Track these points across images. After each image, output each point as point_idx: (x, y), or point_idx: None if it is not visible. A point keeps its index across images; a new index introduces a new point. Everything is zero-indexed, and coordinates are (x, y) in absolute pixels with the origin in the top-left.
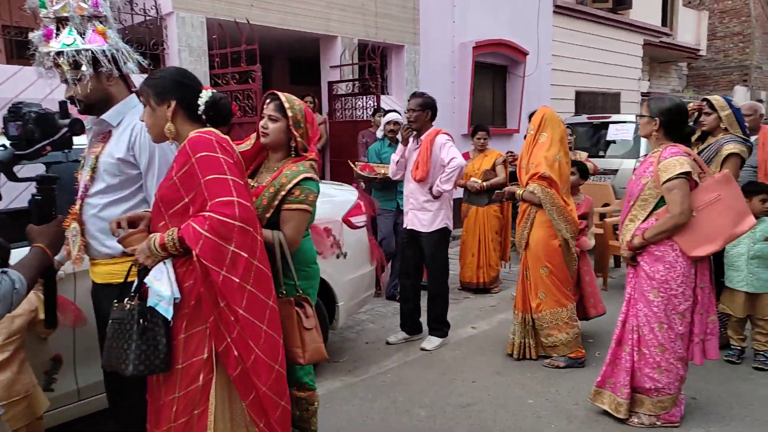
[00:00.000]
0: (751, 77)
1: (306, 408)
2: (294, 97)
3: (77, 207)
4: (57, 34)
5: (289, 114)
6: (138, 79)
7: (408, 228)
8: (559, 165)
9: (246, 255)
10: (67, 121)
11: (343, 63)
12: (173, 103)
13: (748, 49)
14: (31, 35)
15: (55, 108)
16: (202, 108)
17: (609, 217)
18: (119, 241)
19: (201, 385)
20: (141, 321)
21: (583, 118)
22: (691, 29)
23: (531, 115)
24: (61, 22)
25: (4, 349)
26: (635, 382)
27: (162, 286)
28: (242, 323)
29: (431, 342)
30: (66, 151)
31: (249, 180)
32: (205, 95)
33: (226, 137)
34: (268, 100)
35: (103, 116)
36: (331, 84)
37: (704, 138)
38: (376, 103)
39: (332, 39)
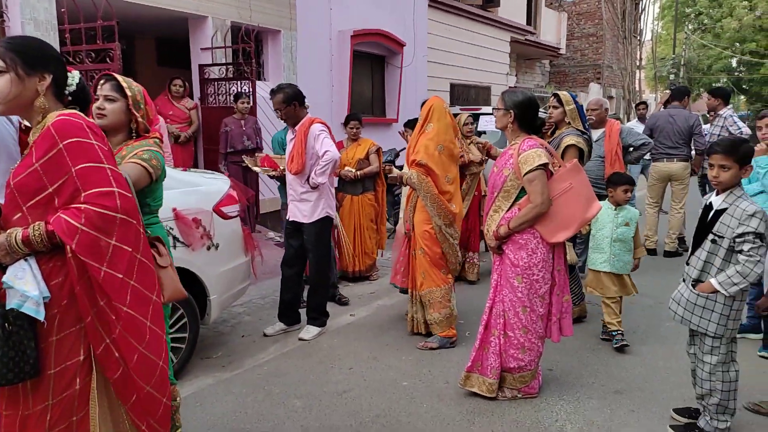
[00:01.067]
0: (603, 75)
1: None
2: (130, 79)
3: None
4: None
5: (128, 93)
6: None
7: (290, 219)
8: (440, 155)
9: (129, 249)
10: None
11: (215, 46)
12: (49, 78)
13: (601, 50)
14: None
15: None
16: (72, 89)
17: None
18: None
19: (78, 389)
20: (5, 326)
21: (456, 109)
22: (552, 29)
23: (423, 104)
24: None
25: None
26: (502, 363)
27: (27, 285)
28: (125, 321)
29: (309, 332)
30: None
31: None
32: (76, 76)
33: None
34: (102, 81)
35: None
36: (202, 67)
37: (554, 131)
38: (251, 89)
39: (202, 20)
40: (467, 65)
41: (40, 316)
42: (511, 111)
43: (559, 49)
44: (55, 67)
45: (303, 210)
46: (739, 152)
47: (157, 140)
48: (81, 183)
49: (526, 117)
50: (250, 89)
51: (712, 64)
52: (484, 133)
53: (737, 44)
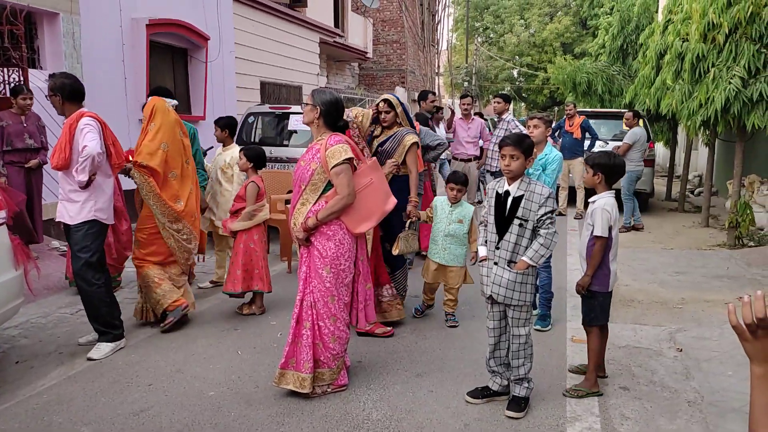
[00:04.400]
0: (407, 80)
1: None
2: None
3: None
4: None
5: None
6: None
7: (57, 219)
8: (164, 152)
9: None
10: None
11: None
12: None
13: (404, 56)
14: None
15: None
16: None
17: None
18: None
19: None
20: None
21: (266, 108)
22: (359, 33)
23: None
24: None
25: None
26: (315, 355)
27: None
28: None
29: (100, 349)
30: None
31: None
32: None
33: None
34: None
35: None
36: None
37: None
38: (22, 78)
39: None
40: (277, 64)
41: None
42: (318, 108)
43: (366, 53)
44: None
45: (70, 210)
46: (524, 144)
47: None
48: None
49: (332, 115)
50: (21, 77)
51: (498, 74)
52: (295, 132)
53: (517, 57)
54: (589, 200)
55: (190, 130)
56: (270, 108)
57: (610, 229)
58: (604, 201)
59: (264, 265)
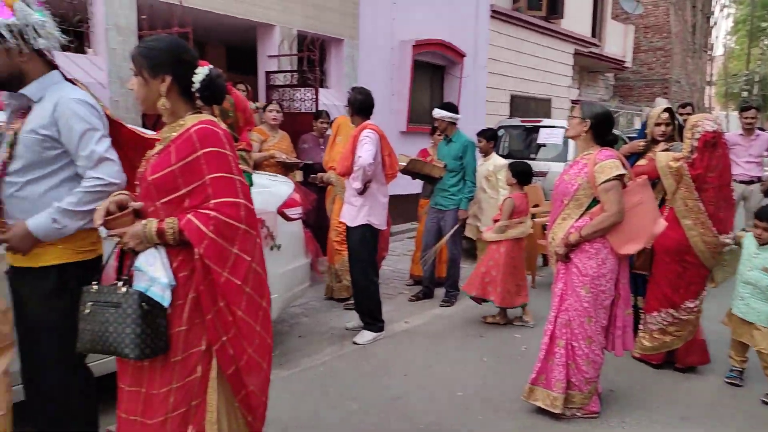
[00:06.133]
0: (671, 90)
1: None
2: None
3: None
4: None
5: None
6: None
7: (340, 221)
8: None
9: (248, 258)
10: None
11: (281, 53)
12: (168, 79)
13: (669, 64)
14: None
15: None
16: (196, 86)
17: (538, 217)
18: (105, 224)
19: (199, 376)
20: (143, 304)
21: (517, 121)
22: (618, 42)
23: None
24: None
25: None
26: (567, 375)
27: (157, 272)
28: (239, 324)
29: (363, 336)
30: None
31: None
32: (201, 73)
33: (224, 128)
34: None
35: (23, 90)
36: (268, 74)
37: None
38: (314, 96)
39: (270, 28)
40: (528, 77)
41: (165, 302)
42: (588, 121)
43: (624, 62)
44: (175, 68)
45: (349, 212)
46: None
47: (244, 153)
48: (213, 191)
49: (602, 129)
50: (314, 96)
51: None
52: (544, 145)
53: None
54: None
55: (464, 143)
56: (521, 121)
57: None
58: None
59: (502, 280)
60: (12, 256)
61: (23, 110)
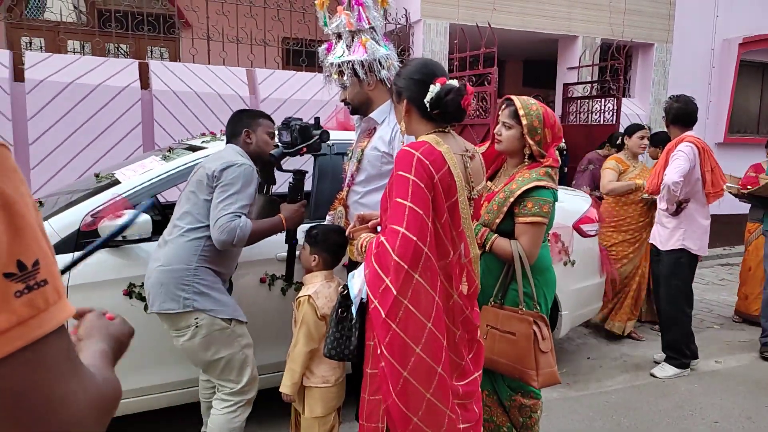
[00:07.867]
0: None
1: (529, 415)
2: (531, 101)
3: (344, 193)
4: (334, 48)
5: (524, 122)
6: None
7: (649, 242)
8: None
9: (395, 292)
10: (318, 131)
11: (582, 64)
12: (405, 101)
13: None
14: (319, 49)
15: (317, 108)
16: (427, 105)
17: None
18: (350, 232)
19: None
20: (339, 310)
21: None
22: None
23: None
24: (338, 36)
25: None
26: None
27: (353, 284)
28: (384, 360)
29: (664, 370)
30: (330, 144)
31: (489, 183)
32: (432, 90)
33: (440, 150)
34: (503, 106)
35: (371, 115)
36: (566, 86)
37: None
38: (616, 107)
39: (573, 39)
40: None
41: (351, 312)
42: None
43: None
44: (408, 89)
45: (660, 235)
46: None
47: (550, 170)
48: (389, 215)
49: None
50: (615, 106)
51: None
52: None
53: None
54: None
55: None
56: None
57: None
58: None
59: None
60: (351, 252)
61: (369, 131)
